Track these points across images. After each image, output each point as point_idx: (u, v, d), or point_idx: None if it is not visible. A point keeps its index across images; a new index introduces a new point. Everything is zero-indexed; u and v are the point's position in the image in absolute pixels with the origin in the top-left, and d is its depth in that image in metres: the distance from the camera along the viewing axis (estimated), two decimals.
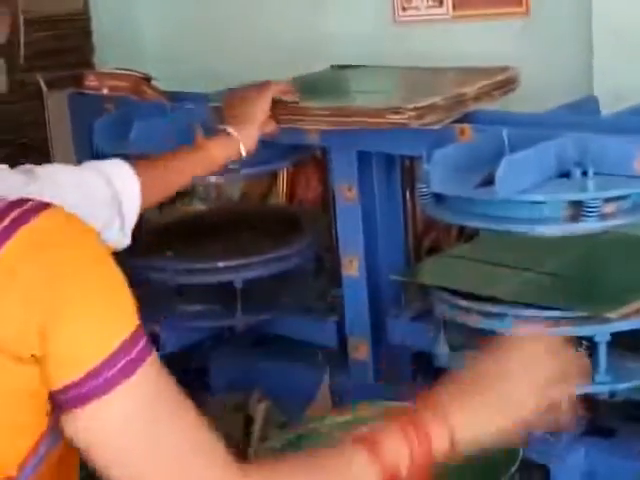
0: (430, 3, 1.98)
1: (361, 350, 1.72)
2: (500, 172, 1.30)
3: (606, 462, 1.43)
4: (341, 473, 1.01)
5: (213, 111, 1.74)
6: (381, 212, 1.71)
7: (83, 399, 0.94)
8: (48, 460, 1.00)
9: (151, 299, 1.87)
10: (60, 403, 0.96)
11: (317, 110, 1.61)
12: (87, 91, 1.98)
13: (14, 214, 0.94)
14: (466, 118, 1.57)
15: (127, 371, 0.94)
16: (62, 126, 2.04)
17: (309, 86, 1.82)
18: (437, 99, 1.53)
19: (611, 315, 1.36)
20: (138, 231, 1.94)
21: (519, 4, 1.85)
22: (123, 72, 2.00)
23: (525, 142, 1.39)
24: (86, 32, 2.39)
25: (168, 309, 1.85)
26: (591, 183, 1.33)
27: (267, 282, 1.84)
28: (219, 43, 2.27)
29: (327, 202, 1.88)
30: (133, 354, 0.95)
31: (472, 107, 1.58)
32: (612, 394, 1.41)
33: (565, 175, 1.39)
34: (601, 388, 1.39)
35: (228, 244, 1.92)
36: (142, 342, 0.97)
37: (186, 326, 1.85)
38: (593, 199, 1.32)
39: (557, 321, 1.38)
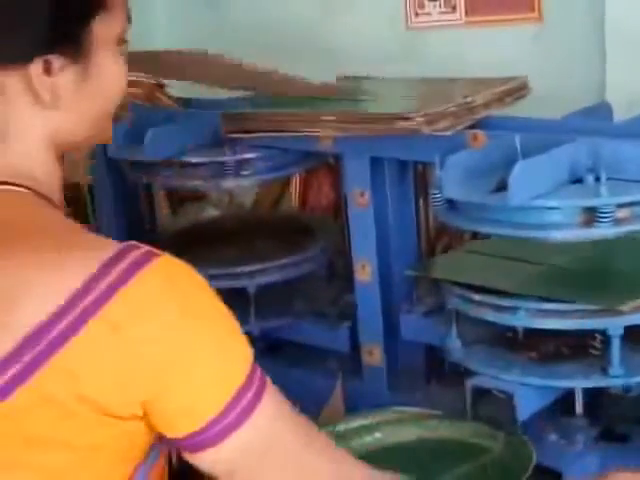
0: (443, 9, 1.99)
1: (374, 355, 1.72)
2: (513, 178, 1.31)
3: (620, 467, 1.42)
4: None
5: (225, 118, 1.75)
6: (393, 218, 1.71)
7: (204, 444, 0.94)
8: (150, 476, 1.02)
9: None
10: (180, 445, 0.96)
11: (329, 117, 1.62)
12: None
13: (127, 261, 0.92)
14: (478, 124, 1.57)
15: (248, 410, 0.95)
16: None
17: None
18: (447, 106, 1.54)
19: (623, 308, 1.35)
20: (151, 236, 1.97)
21: (532, 10, 1.85)
22: (136, 78, 2.01)
23: (538, 148, 1.39)
24: None
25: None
26: (604, 189, 1.33)
27: (280, 288, 1.84)
28: (231, 49, 2.27)
29: (339, 208, 1.88)
30: (251, 393, 0.96)
31: (483, 114, 1.59)
32: (626, 389, 1.41)
33: (578, 181, 1.39)
34: (615, 382, 1.38)
35: (241, 250, 1.92)
36: (257, 378, 0.98)
37: None
38: (606, 205, 1.32)
39: (570, 314, 1.37)
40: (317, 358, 1.85)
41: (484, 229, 1.45)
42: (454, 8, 1.97)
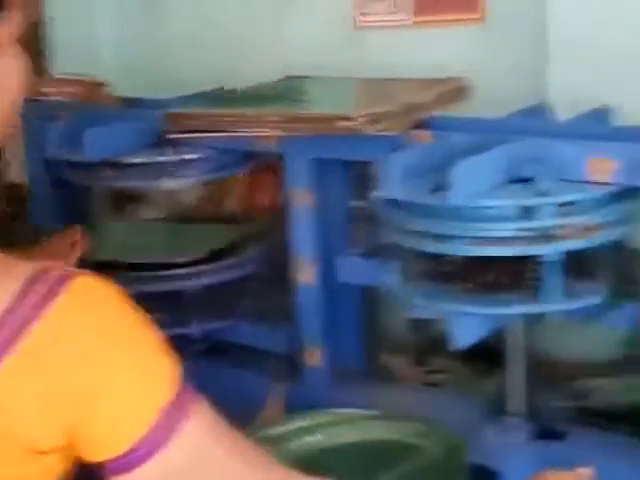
0: (390, 9, 1.98)
1: (314, 356, 1.70)
2: (454, 177, 1.30)
3: (556, 465, 1.42)
4: None
5: (167, 118, 1.72)
6: (336, 218, 1.70)
7: (130, 466, 0.92)
8: None
9: None
10: (106, 468, 0.94)
11: (272, 117, 1.61)
12: (40, 97, 1.96)
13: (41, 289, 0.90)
14: (421, 124, 1.57)
15: (175, 429, 0.93)
16: (14, 133, 2.01)
17: (264, 94, 1.83)
18: (390, 106, 1.54)
19: None
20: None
21: (475, 11, 1.85)
22: (77, 78, 1.98)
23: (479, 147, 1.39)
24: (40, 37, 2.36)
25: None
26: (544, 188, 1.33)
27: (222, 289, 1.82)
28: (175, 49, 2.26)
29: (283, 208, 1.86)
30: (179, 411, 0.93)
31: (425, 114, 1.58)
32: (562, 315, 1.39)
33: (518, 180, 1.39)
34: (552, 307, 1.37)
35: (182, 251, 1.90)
36: (185, 396, 0.95)
37: None
38: (546, 204, 1.32)
39: (508, 241, 1.34)
40: (258, 360, 1.84)
41: (425, 227, 1.44)
42: (401, 8, 1.96)
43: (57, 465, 0.94)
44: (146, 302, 1.80)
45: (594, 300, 1.38)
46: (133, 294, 1.78)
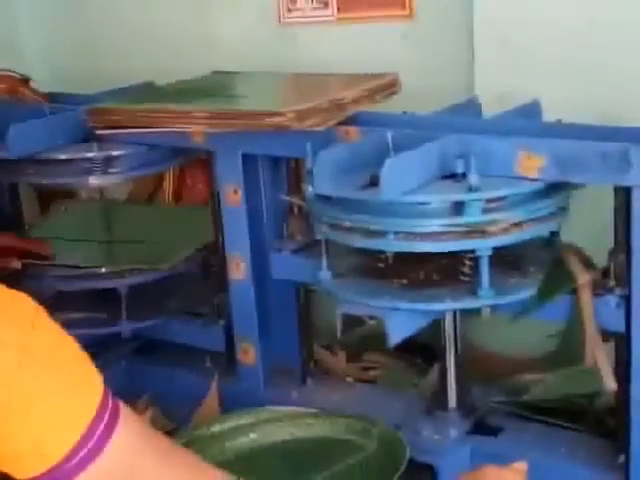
0: (315, 5, 1.98)
1: (249, 354, 1.70)
2: (384, 173, 1.30)
3: (492, 460, 1.44)
4: None
5: (90, 113, 1.70)
6: (267, 214, 1.70)
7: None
8: None
9: None
10: None
11: (199, 113, 1.59)
12: None
13: None
14: (350, 120, 1.57)
15: (101, 442, 0.93)
16: None
17: (192, 90, 1.81)
18: (318, 102, 1.54)
19: None
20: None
21: (403, 7, 1.86)
22: (0, 73, 1.94)
23: (409, 143, 1.39)
24: None
25: (51, 316, 1.79)
26: (473, 184, 1.34)
27: (153, 287, 1.80)
28: (100, 44, 2.22)
29: (213, 204, 1.85)
30: (103, 424, 0.94)
31: (354, 110, 1.59)
32: (494, 309, 1.40)
33: (449, 176, 1.40)
34: (484, 302, 1.37)
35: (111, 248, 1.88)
36: (109, 408, 0.95)
37: (70, 334, 1.80)
38: (475, 200, 1.33)
39: (440, 235, 1.34)
40: (192, 358, 1.83)
41: (356, 223, 1.44)
42: (326, 4, 1.96)
43: None
44: (75, 300, 1.81)
45: (525, 294, 1.39)
46: (61, 292, 1.77)
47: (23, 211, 2.06)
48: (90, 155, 1.72)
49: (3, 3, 2.30)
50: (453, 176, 1.39)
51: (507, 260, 1.44)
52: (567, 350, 1.43)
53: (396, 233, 1.35)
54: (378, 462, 1.37)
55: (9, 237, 1.81)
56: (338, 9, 1.95)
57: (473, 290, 1.37)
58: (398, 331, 1.37)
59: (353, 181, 1.39)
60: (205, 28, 2.11)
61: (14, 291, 0.95)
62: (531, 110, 1.56)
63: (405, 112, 1.59)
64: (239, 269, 1.68)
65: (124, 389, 1.80)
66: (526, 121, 1.50)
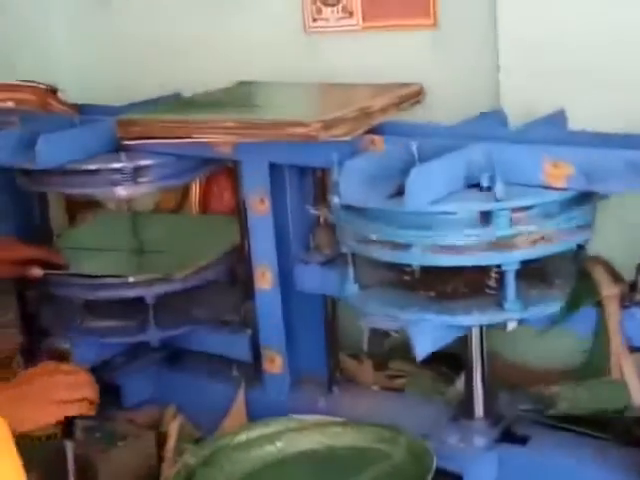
0: (340, 14, 1.99)
1: (275, 363, 1.71)
2: (409, 183, 1.31)
3: (519, 469, 1.44)
4: None
5: (119, 124, 1.71)
6: (293, 224, 1.71)
7: None
8: None
9: (61, 315, 1.85)
10: None
11: (226, 123, 1.61)
12: None
13: None
14: (376, 129, 1.58)
15: None
16: None
17: (218, 100, 1.82)
18: (344, 112, 1.55)
19: None
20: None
21: (427, 16, 1.86)
22: (28, 84, 1.96)
23: (435, 153, 1.40)
24: None
25: (79, 326, 1.81)
26: (499, 193, 1.34)
27: (180, 296, 1.81)
28: (127, 55, 2.24)
29: (240, 213, 1.86)
30: None
31: (380, 119, 1.59)
32: (521, 322, 1.41)
33: (474, 185, 1.40)
34: (511, 315, 1.38)
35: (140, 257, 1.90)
36: None
37: (98, 343, 1.82)
38: (501, 209, 1.33)
39: (466, 250, 1.34)
40: (219, 367, 1.84)
41: (382, 236, 1.45)
42: (351, 14, 1.96)
43: None
44: (103, 309, 1.82)
45: (552, 308, 1.40)
46: (90, 301, 1.79)
47: (52, 221, 2.08)
48: (118, 166, 1.73)
49: (34, 15, 2.32)
50: (478, 186, 1.39)
51: (533, 272, 1.43)
52: (595, 362, 1.42)
53: (422, 247, 1.36)
54: (405, 471, 1.37)
55: (23, 246, 1.82)
56: (363, 18, 1.96)
57: (499, 303, 1.38)
58: (425, 345, 1.38)
59: (379, 191, 1.39)
60: (231, 39, 2.12)
61: None
62: (557, 119, 1.56)
63: (430, 122, 1.60)
64: (265, 278, 1.69)
65: (152, 398, 1.85)
66: (552, 130, 1.51)
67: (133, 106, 1.89)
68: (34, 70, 2.13)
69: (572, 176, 1.33)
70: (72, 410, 1.50)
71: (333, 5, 2.00)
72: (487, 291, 1.43)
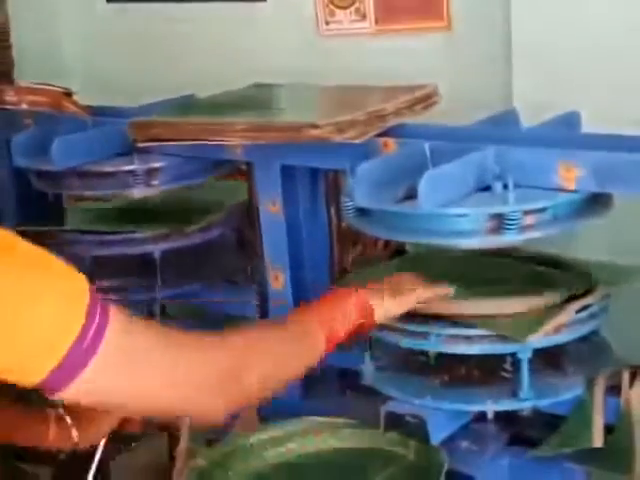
0: (353, 17, 1.99)
1: None
2: (422, 185, 1.31)
3: (530, 472, 1.44)
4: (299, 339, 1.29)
5: (132, 126, 1.72)
6: (306, 226, 1.71)
7: (63, 382, 1.00)
8: None
9: None
10: (42, 389, 1.01)
11: (239, 125, 1.61)
12: (6, 106, 1.95)
13: None
14: (389, 132, 1.58)
15: (96, 340, 1.01)
16: None
17: (232, 102, 1.83)
18: (357, 114, 1.54)
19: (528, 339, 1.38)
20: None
21: (441, 19, 1.87)
22: (43, 87, 1.97)
23: (447, 155, 1.40)
24: (5, 46, 2.35)
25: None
26: (511, 196, 1.34)
27: (188, 254, 1.82)
28: (141, 57, 2.25)
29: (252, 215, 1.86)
30: (95, 323, 1.01)
31: (393, 122, 1.59)
32: (536, 410, 1.43)
33: (487, 188, 1.40)
34: (525, 405, 1.41)
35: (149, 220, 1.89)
36: (98, 308, 1.02)
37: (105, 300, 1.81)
38: (513, 212, 1.33)
39: (480, 339, 1.40)
40: None
41: (394, 236, 1.46)
42: (364, 16, 1.97)
43: None
44: (110, 267, 1.81)
45: (565, 396, 1.41)
46: (97, 258, 1.78)
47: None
48: (131, 167, 1.74)
49: (47, 17, 2.34)
50: (490, 189, 1.39)
51: (547, 356, 1.45)
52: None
53: (438, 335, 1.41)
54: (416, 474, 1.37)
55: None
56: (376, 21, 1.96)
57: (513, 390, 1.41)
58: (439, 431, 1.41)
59: (391, 194, 1.40)
60: (245, 41, 2.13)
61: None
62: (570, 121, 1.56)
63: (442, 124, 1.60)
64: (278, 280, 1.69)
65: None
66: (565, 132, 1.50)
67: (147, 108, 1.89)
68: (48, 73, 2.14)
69: (583, 179, 1.33)
70: (130, 426, 1.51)
71: (346, 8, 2.00)
72: (502, 375, 1.45)
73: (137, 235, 1.78)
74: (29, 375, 0.99)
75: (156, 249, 1.77)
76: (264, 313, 1.75)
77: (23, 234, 1.03)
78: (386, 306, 1.38)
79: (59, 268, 1.03)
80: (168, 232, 1.79)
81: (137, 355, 1.06)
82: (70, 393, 1.01)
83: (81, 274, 1.04)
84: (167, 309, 1.91)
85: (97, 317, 1.02)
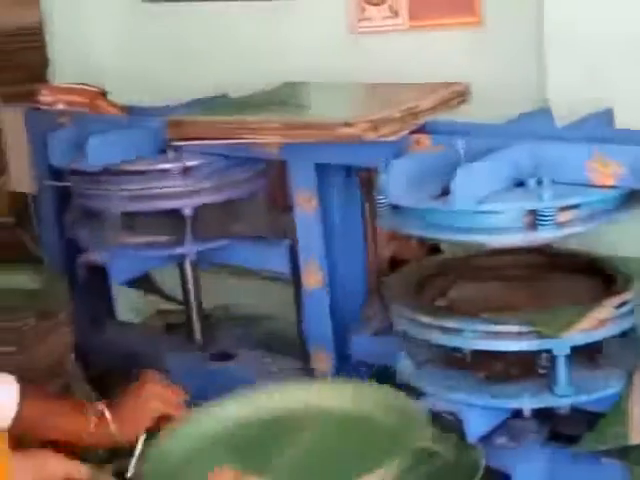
0: (386, 14, 1.99)
1: (323, 361, 1.71)
2: (456, 182, 1.32)
3: (568, 469, 1.44)
4: None
5: (169, 125, 1.73)
6: (341, 223, 1.72)
7: None
8: None
9: (99, 230, 1.84)
10: None
11: (273, 124, 1.62)
12: (42, 106, 1.97)
13: None
14: (422, 129, 1.58)
15: None
16: (18, 141, 2.02)
17: (265, 101, 1.84)
18: (390, 112, 1.55)
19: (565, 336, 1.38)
20: None
21: (473, 14, 1.86)
22: (78, 87, 1.99)
23: (481, 152, 1.40)
24: (41, 47, 2.37)
25: (115, 239, 1.81)
26: (546, 192, 1.34)
27: (218, 210, 1.81)
28: (174, 56, 2.26)
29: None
30: None
31: (427, 118, 1.59)
32: (573, 407, 1.43)
33: (521, 184, 1.40)
34: (562, 401, 1.41)
35: None
36: None
37: (134, 256, 1.82)
38: (548, 208, 1.33)
39: (516, 336, 1.40)
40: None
41: (427, 234, 1.46)
42: (397, 13, 1.97)
43: None
44: (140, 223, 1.81)
45: (603, 392, 1.41)
46: (128, 214, 1.76)
47: None
48: (166, 166, 1.76)
49: (80, 17, 2.36)
50: (523, 184, 1.39)
51: (584, 352, 1.44)
52: None
53: (473, 332, 1.41)
54: (454, 471, 1.37)
55: None
56: (409, 17, 1.96)
57: (550, 386, 1.40)
58: (476, 427, 1.42)
59: (425, 191, 1.40)
60: (276, 39, 2.13)
61: None
62: (603, 117, 1.56)
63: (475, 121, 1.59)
64: (313, 276, 1.70)
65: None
66: (599, 128, 1.50)
67: (181, 106, 1.91)
68: (82, 73, 2.16)
69: (621, 174, 1.32)
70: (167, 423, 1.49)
71: (378, 5, 2.00)
72: (538, 371, 1.45)
73: (167, 190, 1.76)
74: None
75: (187, 205, 1.77)
76: (296, 268, 1.74)
77: None
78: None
79: None
80: (199, 188, 1.77)
81: None
82: None
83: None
84: (199, 265, 1.92)
85: None
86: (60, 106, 1.97)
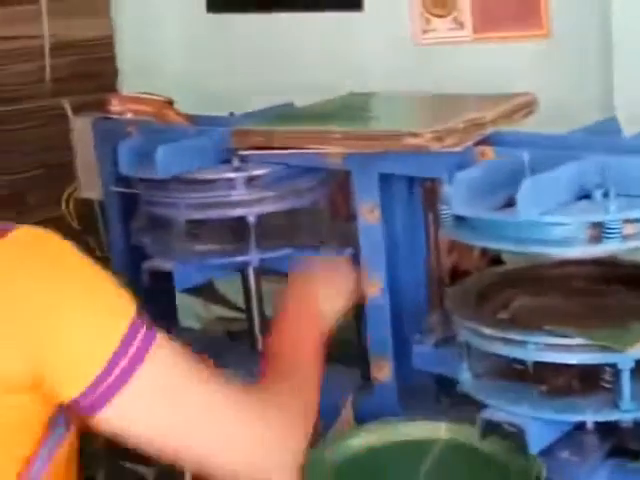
0: (451, 25, 1.99)
1: (384, 371, 1.71)
2: (521, 194, 1.31)
3: None
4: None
5: (235, 134, 1.76)
6: (403, 233, 1.72)
7: (102, 400, 0.99)
8: (55, 457, 1.06)
9: (164, 237, 1.88)
10: (77, 410, 1.01)
11: (337, 134, 1.63)
12: (111, 115, 2.01)
13: None
14: (487, 140, 1.58)
15: (135, 361, 1.00)
16: (87, 150, 2.06)
17: (330, 111, 1.85)
18: (456, 122, 1.55)
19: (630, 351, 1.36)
20: None
21: (540, 26, 1.85)
22: (146, 96, 2.02)
23: (546, 163, 1.40)
24: (111, 57, 2.42)
25: (181, 247, 1.84)
26: (612, 204, 1.33)
27: (280, 220, 1.84)
28: (241, 66, 2.29)
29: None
30: (136, 344, 1.01)
31: (492, 130, 1.59)
32: (637, 421, 1.41)
33: (586, 196, 1.40)
34: (626, 416, 1.39)
35: None
36: (142, 330, 1.03)
37: (199, 264, 1.84)
38: (614, 220, 1.32)
39: (580, 348, 1.38)
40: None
41: (492, 245, 1.46)
42: (462, 25, 1.97)
43: (33, 408, 1.00)
44: (204, 231, 1.82)
45: None
46: (192, 222, 1.79)
47: None
48: (232, 175, 1.78)
49: (149, 28, 2.40)
50: (589, 197, 1.39)
51: None
52: None
53: (535, 344, 1.39)
54: None
55: None
56: (474, 29, 1.96)
57: (614, 400, 1.38)
58: (538, 440, 1.40)
59: (489, 202, 1.40)
60: (341, 50, 2.15)
61: (34, 227, 1.03)
62: None
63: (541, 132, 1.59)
64: (375, 287, 1.70)
65: None
66: None
67: (247, 116, 1.93)
68: (151, 83, 2.20)
69: None
70: None
71: (443, 16, 2.01)
72: (602, 385, 1.43)
73: (232, 199, 1.78)
74: (69, 384, 0.99)
75: (250, 213, 1.79)
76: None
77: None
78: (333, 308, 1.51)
79: (107, 285, 1.04)
80: (263, 197, 1.79)
81: (177, 385, 1.05)
82: (106, 415, 1.00)
83: (129, 295, 1.05)
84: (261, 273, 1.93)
85: (140, 335, 1.02)
86: (129, 115, 2.01)
